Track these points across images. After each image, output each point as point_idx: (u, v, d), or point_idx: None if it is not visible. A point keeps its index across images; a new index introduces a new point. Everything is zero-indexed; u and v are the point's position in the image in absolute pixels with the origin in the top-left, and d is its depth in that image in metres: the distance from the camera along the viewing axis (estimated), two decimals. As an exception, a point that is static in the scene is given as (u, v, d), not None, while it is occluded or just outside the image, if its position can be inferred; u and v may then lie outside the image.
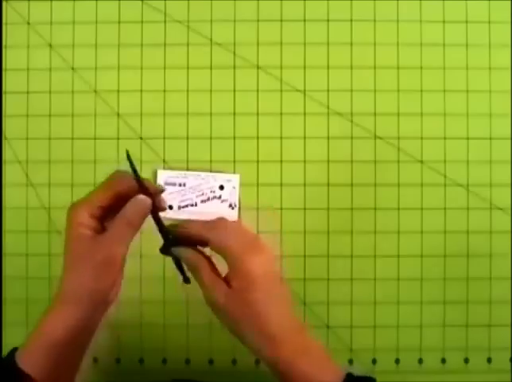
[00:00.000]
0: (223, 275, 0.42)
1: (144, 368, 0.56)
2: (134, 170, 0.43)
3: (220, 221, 0.43)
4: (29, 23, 0.57)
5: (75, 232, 0.41)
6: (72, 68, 0.57)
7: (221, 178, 0.56)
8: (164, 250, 0.44)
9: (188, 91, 0.57)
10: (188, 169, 0.56)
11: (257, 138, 0.56)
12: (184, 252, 0.43)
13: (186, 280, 0.44)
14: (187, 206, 0.55)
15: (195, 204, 0.55)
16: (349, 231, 0.56)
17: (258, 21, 0.57)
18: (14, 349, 0.43)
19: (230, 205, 0.55)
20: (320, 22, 0.57)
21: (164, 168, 0.56)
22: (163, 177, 0.56)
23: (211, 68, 0.57)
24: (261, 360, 0.42)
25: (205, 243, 0.43)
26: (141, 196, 0.41)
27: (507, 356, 0.56)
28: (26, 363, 0.41)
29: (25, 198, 0.56)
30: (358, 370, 0.44)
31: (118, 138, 0.56)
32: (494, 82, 0.56)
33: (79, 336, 0.42)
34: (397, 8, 0.57)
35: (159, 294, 0.55)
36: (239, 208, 0.56)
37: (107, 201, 0.42)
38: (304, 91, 0.57)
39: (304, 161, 0.56)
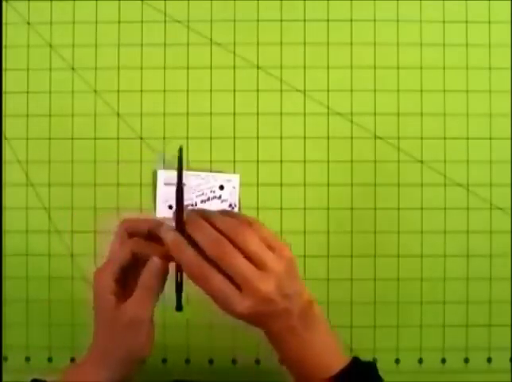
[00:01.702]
0: None
1: (144, 368, 0.56)
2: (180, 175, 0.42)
3: (227, 243, 0.39)
4: (29, 23, 0.57)
5: (101, 298, 0.42)
6: (72, 68, 0.57)
7: (221, 178, 0.56)
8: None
9: (188, 91, 0.57)
10: (188, 169, 0.56)
11: (258, 138, 0.56)
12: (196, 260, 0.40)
13: (179, 308, 0.43)
14: (187, 206, 0.55)
15: (195, 204, 0.55)
16: (349, 231, 0.56)
17: (258, 21, 0.57)
18: None
19: (230, 205, 0.55)
20: (319, 22, 0.57)
21: (164, 168, 0.56)
22: (163, 177, 0.56)
23: (211, 68, 0.57)
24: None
25: None
26: (155, 260, 0.42)
27: (507, 356, 0.56)
28: None
29: (25, 198, 0.56)
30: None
31: (118, 138, 0.56)
32: (494, 82, 0.56)
33: None
34: (397, 8, 0.57)
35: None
36: (239, 209, 0.56)
37: (127, 260, 0.43)
38: (304, 91, 0.57)
39: (304, 161, 0.56)
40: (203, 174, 0.55)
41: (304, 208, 0.56)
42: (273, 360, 0.56)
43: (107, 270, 0.43)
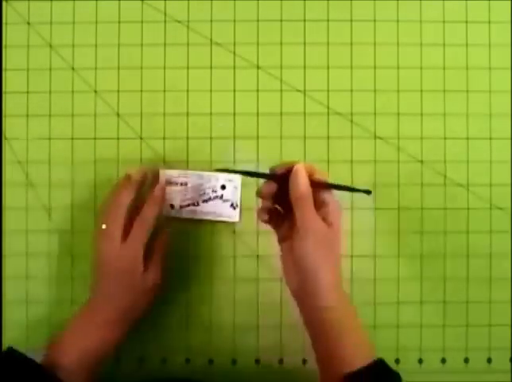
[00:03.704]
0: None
1: (144, 367, 0.56)
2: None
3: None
4: (29, 23, 0.57)
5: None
6: (72, 68, 0.57)
7: (223, 178, 0.55)
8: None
9: (188, 91, 0.57)
10: (189, 169, 0.56)
11: (258, 137, 0.56)
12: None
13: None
14: (188, 205, 0.55)
15: (197, 204, 0.55)
16: (349, 231, 0.56)
17: (258, 21, 0.57)
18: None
19: (232, 205, 0.55)
20: (320, 22, 0.57)
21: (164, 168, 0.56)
22: (165, 176, 0.55)
23: (211, 68, 0.57)
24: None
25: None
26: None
27: (507, 356, 0.56)
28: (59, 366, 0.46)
29: (25, 198, 0.56)
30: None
31: (118, 138, 0.56)
32: (494, 82, 0.56)
33: (110, 350, 0.50)
34: (397, 8, 0.57)
35: (159, 294, 0.55)
36: (240, 208, 0.56)
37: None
38: (304, 91, 0.57)
39: (304, 162, 0.56)
40: (205, 174, 0.55)
41: (304, 208, 0.56)
42: (273, 360, 0.56)
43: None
